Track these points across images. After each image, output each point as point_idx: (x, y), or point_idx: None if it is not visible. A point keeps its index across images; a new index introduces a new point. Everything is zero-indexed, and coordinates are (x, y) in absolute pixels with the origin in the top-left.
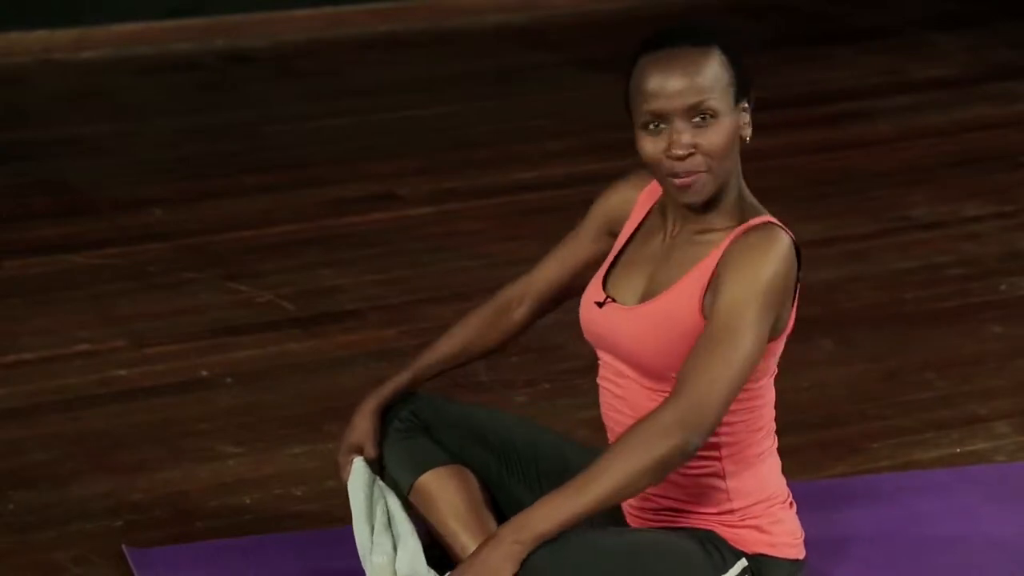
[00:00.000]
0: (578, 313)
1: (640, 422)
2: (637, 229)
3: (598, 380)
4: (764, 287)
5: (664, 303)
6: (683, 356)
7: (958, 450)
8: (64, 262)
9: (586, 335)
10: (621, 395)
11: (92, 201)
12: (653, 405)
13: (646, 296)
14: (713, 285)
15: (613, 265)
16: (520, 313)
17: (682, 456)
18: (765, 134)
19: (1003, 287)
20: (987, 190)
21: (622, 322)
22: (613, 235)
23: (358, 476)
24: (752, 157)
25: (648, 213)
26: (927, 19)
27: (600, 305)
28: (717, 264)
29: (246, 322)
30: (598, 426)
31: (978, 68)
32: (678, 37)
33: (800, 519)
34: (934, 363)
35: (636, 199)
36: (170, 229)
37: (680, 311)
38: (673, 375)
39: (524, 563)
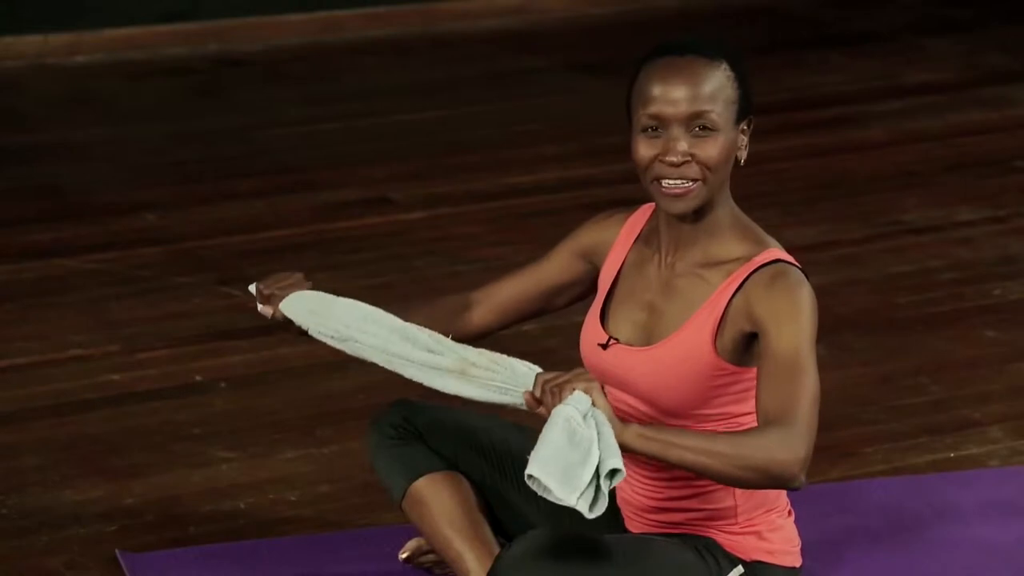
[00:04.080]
0: (569, 318)
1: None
2: (624, 264)
3: None
4: (808, 335)
5: (677, 344)
6: (700, 392)
7: (952, 455)
8: (57, 267)
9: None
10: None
11: (85, 205)
12: None
13: (652, 332)
14: (728, 325)
15: (607, 302)
16: (476, 315)
17: (783, 484)
18: (759, 139)
19: (996, 292)
20: (980, 195)
21: (635, 364)
22: (589, 263)
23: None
24: (746, 161)
25: (632, 246)
26: (920, 23)
27: (604, 347)
28: (731, 302)
29: (239, 327)
30: None
31: (971, 73)
32: (688, 47)
33: (795, 524)
34: (928, 368)
35: (618, 232)
36: (163, 234)
37: (694, 350)
38: (692, 411)
39: (522, 567)
